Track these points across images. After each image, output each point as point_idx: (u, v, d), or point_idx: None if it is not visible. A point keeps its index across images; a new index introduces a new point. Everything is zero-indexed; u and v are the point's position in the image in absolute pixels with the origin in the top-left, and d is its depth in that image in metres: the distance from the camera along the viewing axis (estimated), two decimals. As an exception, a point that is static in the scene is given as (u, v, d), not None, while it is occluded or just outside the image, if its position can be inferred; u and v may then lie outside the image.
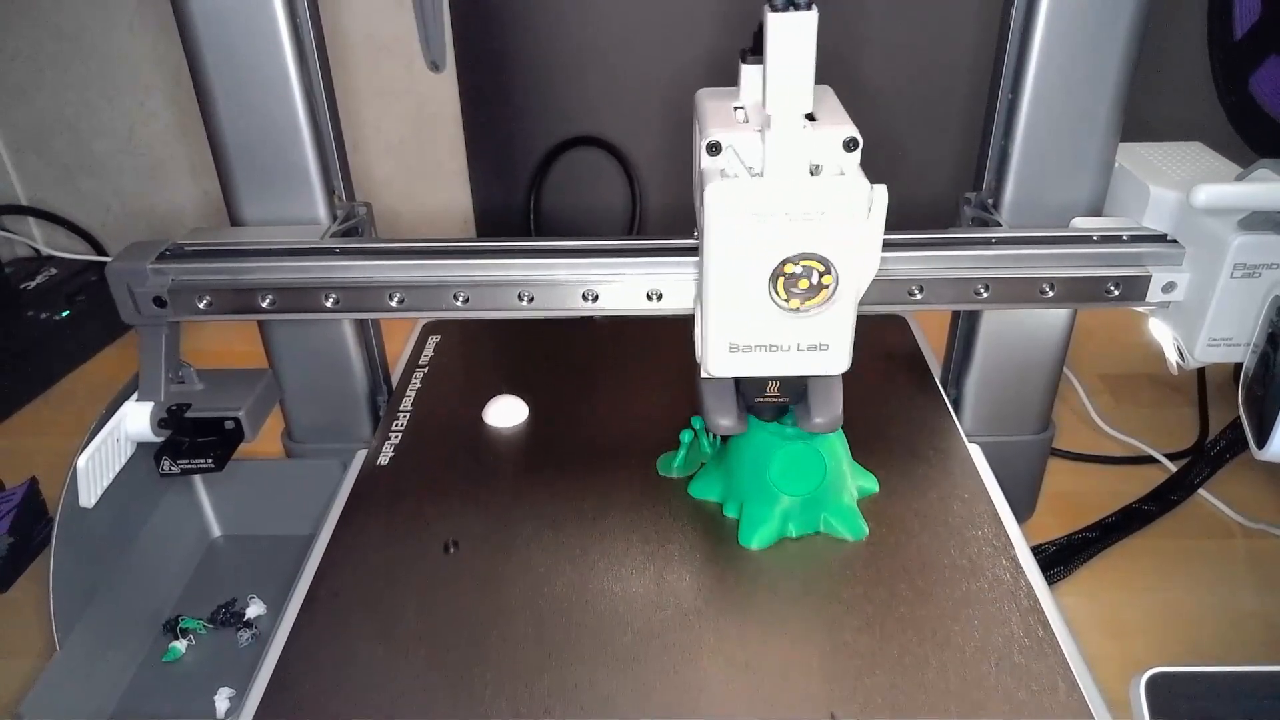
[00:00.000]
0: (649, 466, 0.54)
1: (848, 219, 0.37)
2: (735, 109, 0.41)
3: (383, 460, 0.56)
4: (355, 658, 0.43)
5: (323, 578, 0.47)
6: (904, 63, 0.92)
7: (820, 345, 0.41)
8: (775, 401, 0.46)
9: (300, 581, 0.47)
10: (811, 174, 0.38)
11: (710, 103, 0.42)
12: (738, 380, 0.46)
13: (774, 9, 0.35)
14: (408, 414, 0.60)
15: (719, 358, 0.42)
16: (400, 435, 0.58)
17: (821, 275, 0.39)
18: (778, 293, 0.39)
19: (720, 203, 0.37)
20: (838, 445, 0.49)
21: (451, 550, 0.48)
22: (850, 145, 0.38)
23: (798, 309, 0.40)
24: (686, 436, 0.53)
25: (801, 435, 0.48)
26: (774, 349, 0.41)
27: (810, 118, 0.38)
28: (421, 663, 0.42)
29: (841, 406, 0.45)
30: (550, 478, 0.54)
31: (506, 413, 0.59)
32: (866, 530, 0.49)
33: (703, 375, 0.44)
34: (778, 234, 0.38)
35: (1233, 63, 0.75)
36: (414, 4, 0.68)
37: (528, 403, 0.60)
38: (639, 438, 0.56)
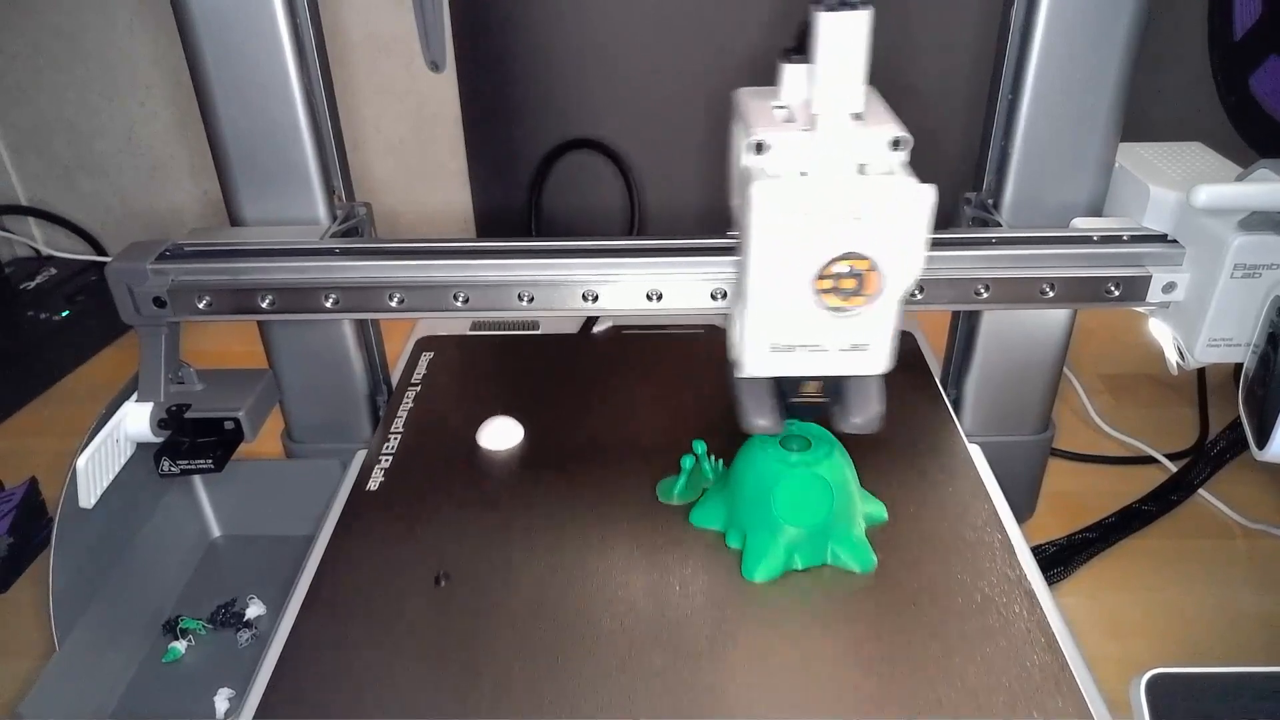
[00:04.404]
0: (649, 492, 0.52)
1: (895, 218, 0.37)
2: (777, 108, 0.41)
3: (373, 486, 0.54)
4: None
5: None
6: (903, 63, 0.92)
7: (860, 345, 0.41)
8: (813, 401, 0.45)
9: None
10: (858, 173, 0.38)
11: (751, 102, 0.42)
12: (775, 380, 0.45)
13: (826, 8, 0.35)
14: (399, 436, 0.58)
15: (758, 357, 0.41)
16: (391, 459, 0.56)
17: (867, 275, 0.39)
18: (821, 292, 0.39)
19: (767, 202, 0.37)
20: (846, 472, 0.48)
21: (443, 582, 0.47)
22: (896, 145, 0.38)
23: (841, 309, 0.39)
24: (688, 462, 0.51)
25: (807, 462, 0.46)
26: (814, 349, 0.41)
27: (857, 117, 0.38)
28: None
29: (880, 406, 0.44)
30: (546, 504, 0.52)
31: (501, 435, 0.57)
32: (875, 562, 0.47)
33: (739, 375, 0.44)
34: (824, 233, 0.38)
35: (1233, 63, 0.75)
36: (414, 4, 0.68)
37: (523, 424, 0.58)
38: (638, 462, 0.54)
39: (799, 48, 0.40)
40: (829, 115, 0.37)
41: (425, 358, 0.67)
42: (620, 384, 0.63)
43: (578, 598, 0.46)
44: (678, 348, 0.67)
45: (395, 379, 0.65)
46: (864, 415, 0.44)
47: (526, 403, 0.60)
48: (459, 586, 0.47)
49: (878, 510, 0.50)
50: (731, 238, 0.46)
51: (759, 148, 0.39)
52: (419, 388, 0.63)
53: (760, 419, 0.44)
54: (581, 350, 0.68)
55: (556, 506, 0.52)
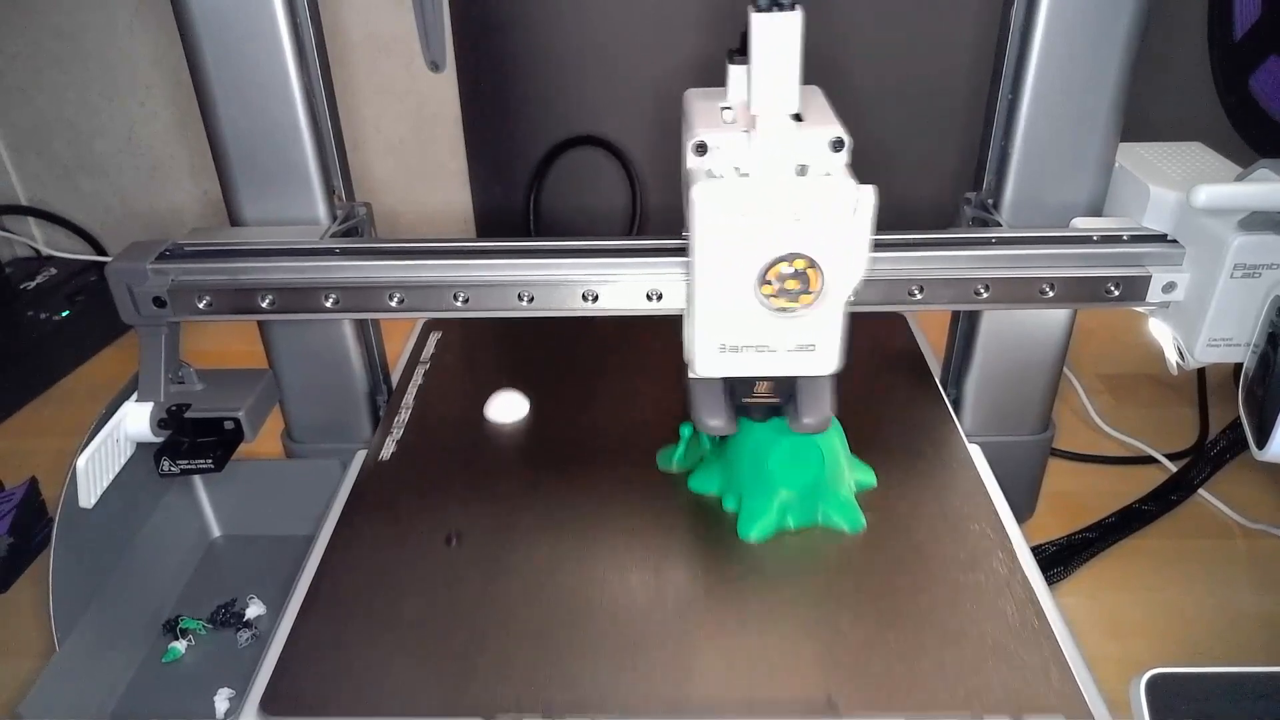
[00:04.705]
0: (649, 461, 0.55)
1: (834, 219, 0.37)
2: (723, 109, 0.41)
3: (385, 455, 0.56)
4: (355, 658, 0.43)
5: (323, 578, 0.47)
6: (904, 63, 0.92)
7: (808, 346, 0.41)
8: (765, 402, 0.46)
9: (300, 581, 0.47)
10: (798, 174, 0.38)
11: (698, 103, 0.42)
12: (727, 380, 0.45)
13: (758, 9, 0.35)
14: (409, 410, 0.60)
15: (708, 358, 0.42)
16: (402, 431, 0.58)
17: (809, 276, 0.39)
18: (766, 293, 0.39)
19: (707, 203, 0.37)
20: (835, 439, 0.50)
21: (454, 543, 0.49)
22: (837, 145, 0.38)
23: (785, 309, 0.40)
24: (686, 431, 0.54)
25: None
26: (763, 349, 0.41)
27: (798, 118, 0.38)
28: (421, 664, 0.42)
29: (830, 407, 0.44)
30: (551, 472, 0.54)
31: (508, 408, 0.60)
32: (864, 522, 0.49)
33: (691, 376, 0.44)
34: (765, 234, 0.38)
35: (1233, 63, 0.75)
36: (414, 4, 0.68)
37: (529, 398, 0.60)
38: (639, 432, 0.57)
39: (742, 49, 0.40)
40: (767, 116, 0.37)
41: (434, 337, 0.69)
42: (622, 360, 0.65)
43: (582, 559, 0.48)
44: (677, 325, 0.68)
45: (404, 360, 0.67)
46: (815, 416, 0.44)
47: (532, 378, 0.62)
48: (466, 552, 0.48)
49: (866, 476, 0.52)
50: (683, 239, 0.46)
51: (701, 149, 0.39)
52: (428, 365, 0.65)
53: (712, 419, 0.45)
54: (584, 328, 0.69)
55: (562, 475, 0.54)
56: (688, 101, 0.43)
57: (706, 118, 0.40)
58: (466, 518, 0.51)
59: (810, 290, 0.39)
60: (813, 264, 0.38)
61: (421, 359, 0.66)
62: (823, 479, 0.49)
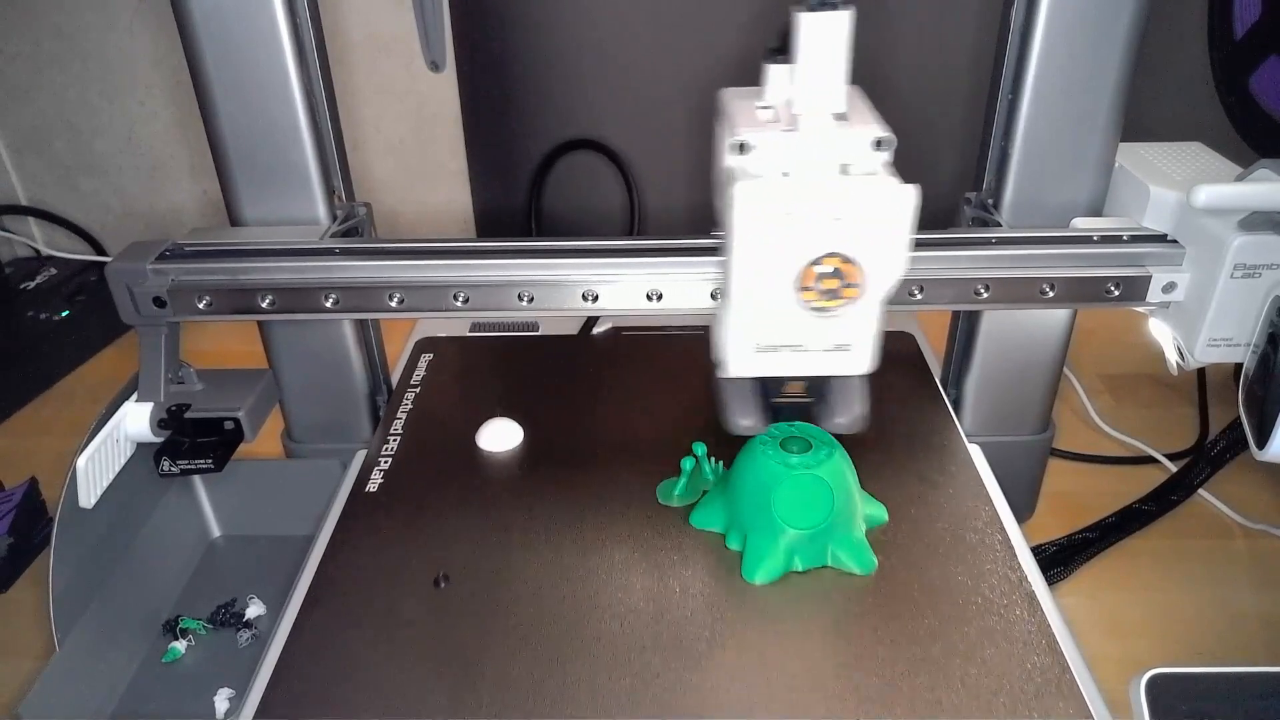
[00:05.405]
0: (649, 494, 0.52)
1: (877, 219, 0.37)
2: (761, 108, 0.41)
3: (371, 488, 0.54)
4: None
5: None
6: (903, 63, 0.92)
7: (844, 345, 0.41)
8: (797, 401, 0.45)
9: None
10: (841, 173, 0.38)
11: (735, 102, 0.42)
12: (758, 380, 0.45)
13: (808, 9, 0.35)
14: (398, 437, 0.58)
15: (742, 358, 0.42)
16: (390, 460, 0.56)
17: (849, 275, 0.38)
18: (804, 293, 0.39)
19: (749, 202, 0.37)
20: (846, 475, 0.47)
21: (442, 585, 0.46)
22: (880, 145, 0.38)
23: (823, 309, 0.39)
24: (688, 464, 0.51)
25: (807, 464, 0.45)
26: (798, 349, 0.41)
27: (840, 117, 0.38)
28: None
29: (864, 406, 0.44)
30: (545, 506, 0.51)
31: (500, 436, 0.57)
32: (876, 564, 0.47)
33: (723, 375, 0.44)
34: (806, 233, 0.38)
35: (1233, 63, 0.75)
36: (414, 4, 0.68)
37: (522, 425, 0.58)
38: (638, 463, 0.54)
39: (782, 48, 0.40)
40: (811, 115, 0.37)
41: (425, 359, 0.66)
42: (620, 385, 0.63)
43: (578, 599, 0.45)
44: (678, 349, 0.67)
45: (395, 380, 0.64)
46: (848, 415, 0.44)
47: (526, 404, 0.60)
48: (459, 587, 0.47)
49: (878, 512, 0.50)
50: (716, 238, 0.46)
51: (741, 148, 0.39)
52: (418, 389, 0.63)
53: (744, 419, 0.45)
54: (581, 351, 0.67)
55: (556, 508, 0.51)
56: (723, 101, 0.42)
57: (745, 116, 0.40)
58: (456, 555, 0.48)
59: (850, 289, 0.39)
60: (853, 263, 0.38)
61: (412, 382, 0.64)
62: (833, 519, 0.46)
